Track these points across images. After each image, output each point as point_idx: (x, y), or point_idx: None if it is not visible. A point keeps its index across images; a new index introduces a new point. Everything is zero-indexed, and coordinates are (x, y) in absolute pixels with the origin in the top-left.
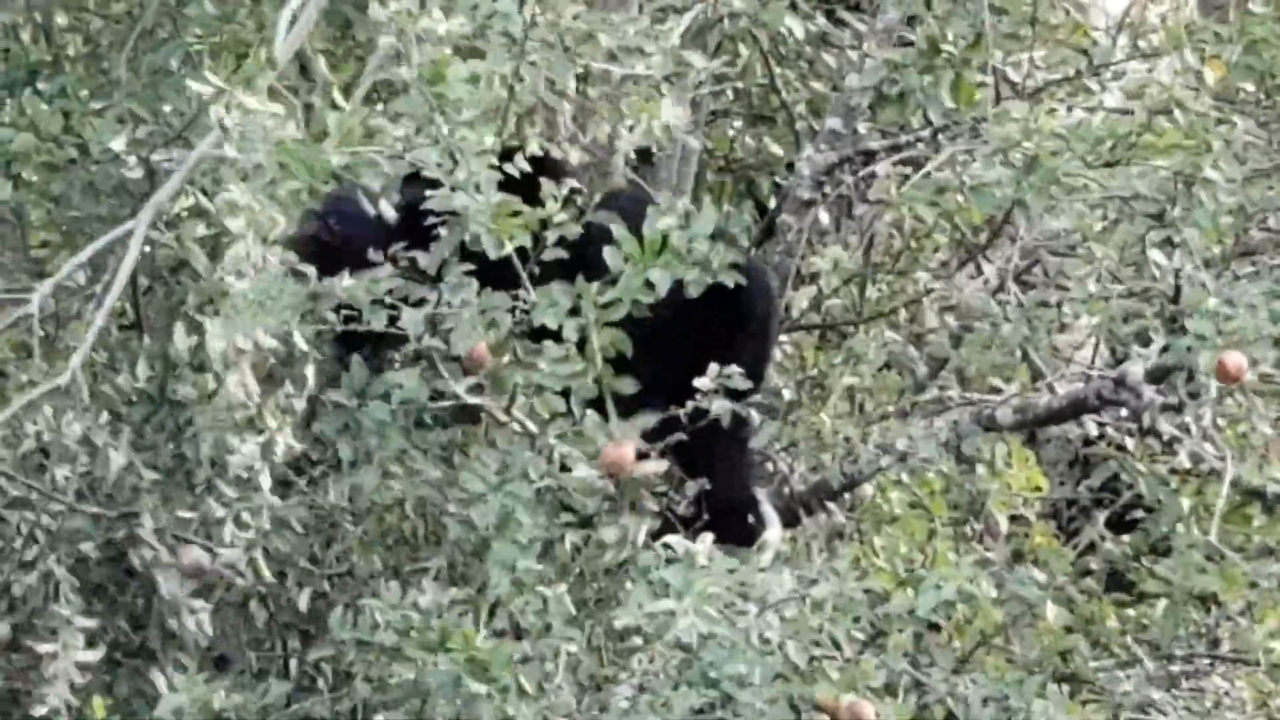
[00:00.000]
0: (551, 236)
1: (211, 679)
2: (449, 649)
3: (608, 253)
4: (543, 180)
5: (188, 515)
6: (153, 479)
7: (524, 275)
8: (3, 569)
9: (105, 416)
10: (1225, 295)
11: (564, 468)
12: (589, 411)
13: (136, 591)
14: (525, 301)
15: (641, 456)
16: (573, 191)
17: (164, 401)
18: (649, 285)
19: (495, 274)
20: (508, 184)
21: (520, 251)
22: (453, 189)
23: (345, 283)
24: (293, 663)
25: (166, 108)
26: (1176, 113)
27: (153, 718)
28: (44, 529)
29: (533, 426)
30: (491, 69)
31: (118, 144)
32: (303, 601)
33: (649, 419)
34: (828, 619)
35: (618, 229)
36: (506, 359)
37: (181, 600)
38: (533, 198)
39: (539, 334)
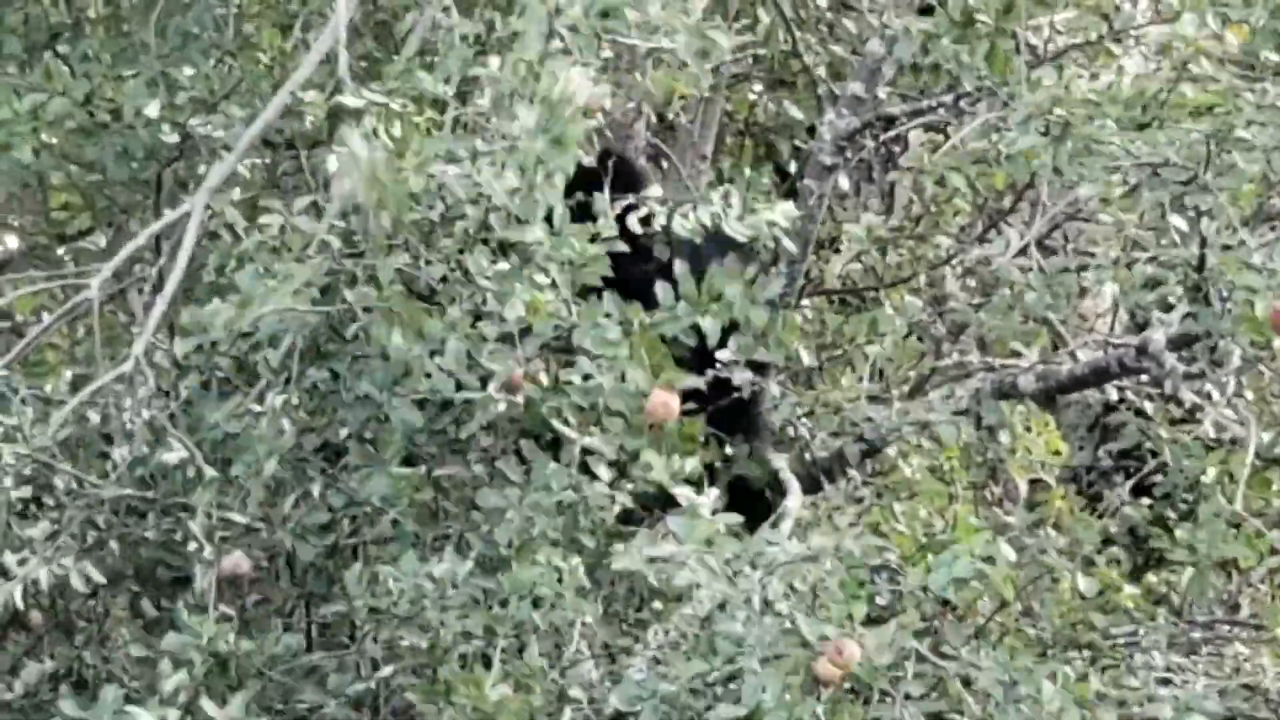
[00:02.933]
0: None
1: (221, 622)
2: (452, 701)
3: (659, 288)
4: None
5: (238, 518)
6: (212, 475)
7: (568, 295)
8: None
9: (161, 402)
10: (1264, 253)
11: (586, 469)
12: (633, 369)
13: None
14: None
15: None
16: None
17: (211, 374)
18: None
19: None
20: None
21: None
22: (522, 220)
23: (399, 259)
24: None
25: (188, 71)
26: (1206, 65)
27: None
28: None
29: (560, 427)
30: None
31: (152, 110)
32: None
33: (686, 376)
34: (825, 572)
35: (679, 265)
36: (545, 382)
37: (209, 599)
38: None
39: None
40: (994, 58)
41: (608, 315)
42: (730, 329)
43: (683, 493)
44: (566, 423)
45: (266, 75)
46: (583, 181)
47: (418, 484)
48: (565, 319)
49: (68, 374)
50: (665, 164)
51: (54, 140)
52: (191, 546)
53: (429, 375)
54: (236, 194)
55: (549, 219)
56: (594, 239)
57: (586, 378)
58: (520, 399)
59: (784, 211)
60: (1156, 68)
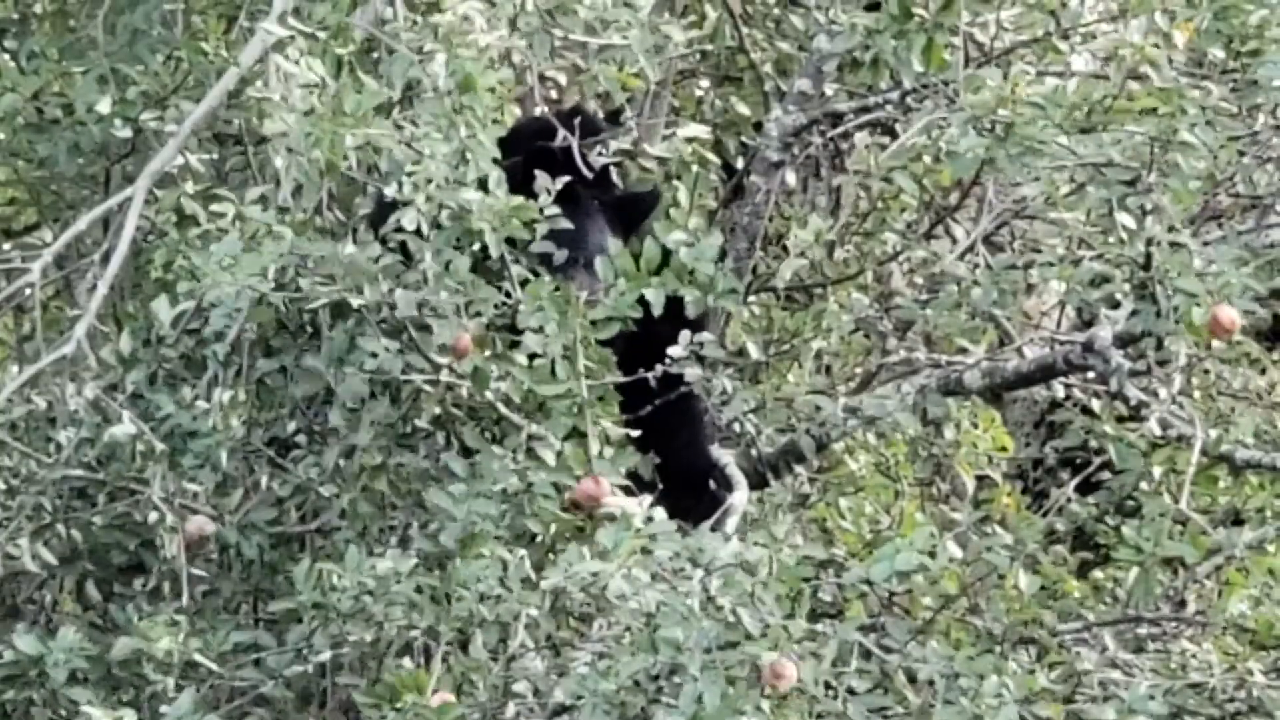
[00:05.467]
0: (542, 229)
1: (174, 624)
2: (398, 708)
3: (599, 263)
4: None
5: (193, 487)
6: (161, 448)
7: (511, 273)
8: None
9: (103, 384)
10: (1207, 255)
11: (531, 454)
12: (566, 443)
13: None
14: (511, 298)
15: (623, 490)
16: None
17: (159, 367)
18: (641, 301)
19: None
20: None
21: (510, 240)
22: (460, 184)
23: (347, 250)
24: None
25: (138, 68)
26: (1150, 72)
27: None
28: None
29: (506, 412)
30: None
31: (103, 106)
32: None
33: (633, 457)
34: (761, 583)
35: (615, 243)
36: (488, 352)
37: (184, 565)
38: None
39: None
40: (931, 53)
41: (548, 296)
42: (678, 321)
43: (615, 502)
44: (510, 404)
45: (213, 66)
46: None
47: (370, 474)
48: (509, 298)
49: (14, 369)
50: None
51: (1, 136)
52: (152, 517)
53: (374, 355)
54: (190, 187)
55: (483, 185)
56: (537, 216)
57: (533, 358)
58: (467, 366)
59: (698, 129)
60: (1103, 68)
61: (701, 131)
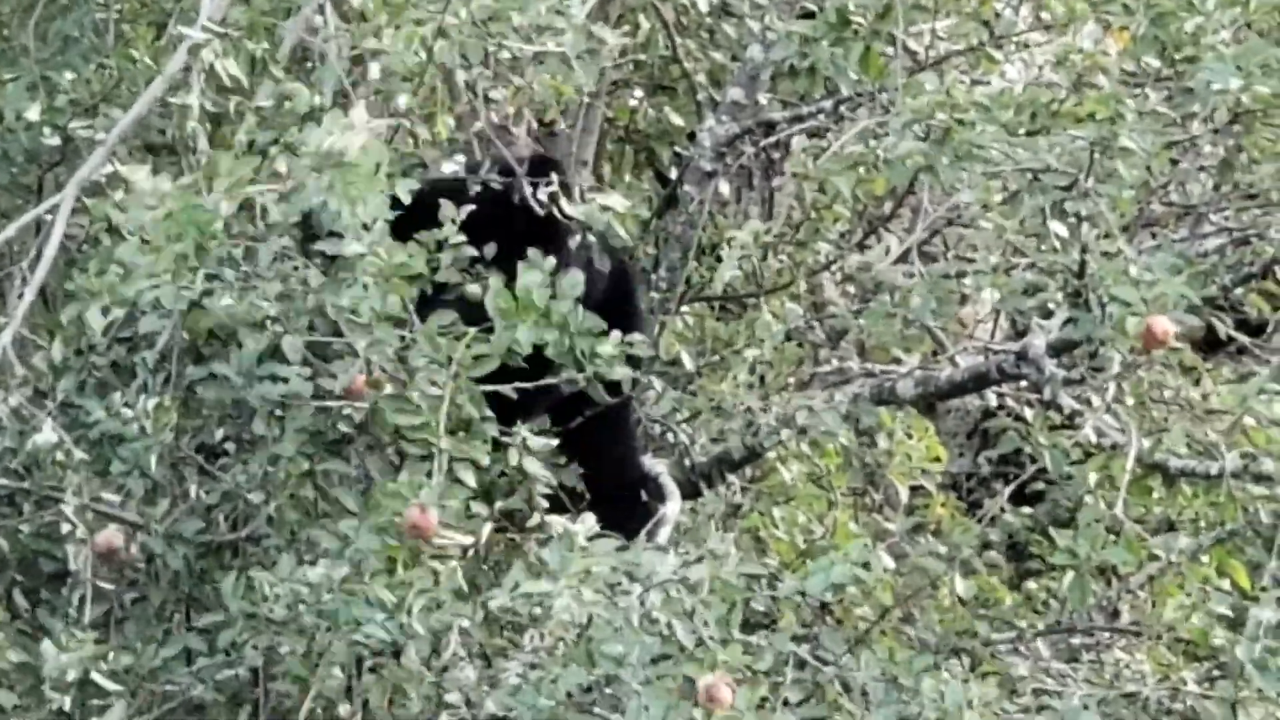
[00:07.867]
0: (446, 259)
1: (103, 640)
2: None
3: (487, 302)
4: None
5: (112, 497)
6: (81, 458)
7: (412, 313)
8: None
9: (30, 391)
10: (1143, 263)
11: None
12: (399, 474)
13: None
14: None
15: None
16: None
17: (88, 374)
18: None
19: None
20: None
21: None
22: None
23: (224, 303)
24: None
25: (69, 75)
26: (1102, 79)
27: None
28: None
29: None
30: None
31: (32, 113)
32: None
33: (462, 492)
34: (700, 601)
35: (495, 278)
36: (386, 391)
37: (88, 579)
38: None
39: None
40: (868, 61)
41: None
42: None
43: (556, 520)
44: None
45: (143, 74)
46: None
47: (297, 481)
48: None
49: None
50: None
51: None
52: (65, 528)
53: (285, 380)
54: (120, 196)
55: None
56: (439, 246)
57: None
58: (364, 404)
59: (618, 200)
60: (1038, 75)
61: (619, 204)
